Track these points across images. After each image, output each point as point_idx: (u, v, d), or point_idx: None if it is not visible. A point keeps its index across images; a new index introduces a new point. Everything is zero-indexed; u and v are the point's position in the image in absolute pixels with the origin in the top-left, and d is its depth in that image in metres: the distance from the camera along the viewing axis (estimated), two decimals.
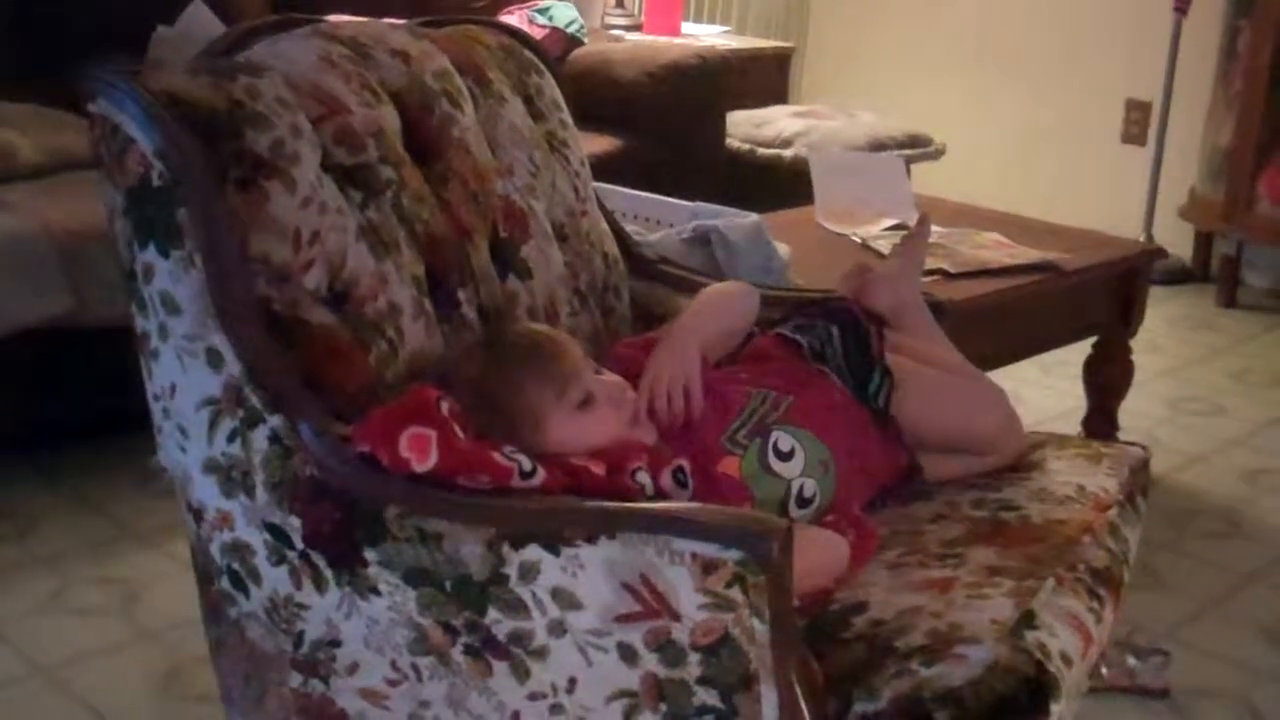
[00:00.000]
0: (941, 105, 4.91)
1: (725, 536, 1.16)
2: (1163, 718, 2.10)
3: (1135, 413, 3.16)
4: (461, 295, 1.65)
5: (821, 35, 5.48)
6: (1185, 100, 4.33)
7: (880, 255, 2.58)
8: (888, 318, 1.83)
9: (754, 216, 2.44)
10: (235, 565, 1.39)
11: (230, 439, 1.35)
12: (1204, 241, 4.56)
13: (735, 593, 1.16)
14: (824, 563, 1.43)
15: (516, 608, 1.23)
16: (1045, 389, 3.43)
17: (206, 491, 1.38)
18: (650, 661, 1.20)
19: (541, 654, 1.24)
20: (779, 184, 3.78)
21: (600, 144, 3.54)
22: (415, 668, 1.31)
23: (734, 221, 2.39)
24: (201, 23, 3.23)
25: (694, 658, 1.19)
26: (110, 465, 2.74)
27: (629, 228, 2.12)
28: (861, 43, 5.33)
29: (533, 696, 1.27)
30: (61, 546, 2.48)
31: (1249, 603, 2.47)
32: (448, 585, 1.26)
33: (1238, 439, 3.25)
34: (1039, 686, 1.28)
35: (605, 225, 1.96)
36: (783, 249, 2.42)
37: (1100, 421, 2.98)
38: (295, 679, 1.40)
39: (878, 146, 3.93)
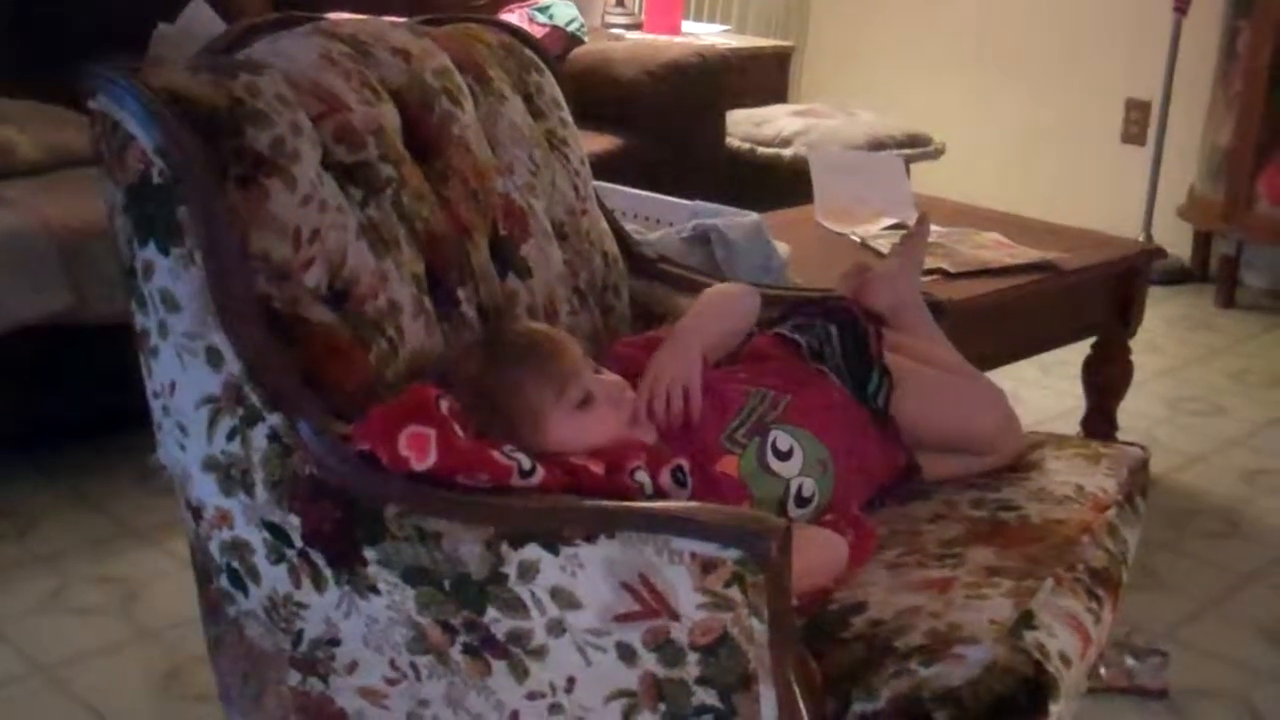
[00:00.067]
0: (941, 105, 4.91)
1: (724, 536, 1.16)
2: (1161, 718, 2.10)
3: (1134, 413, 3.16)
4: (461, 294, 1.65)
5: (821, 34, 5.48)
6: (1185, 100, 4.33)
7: (879, 254, 2.58)
8: (887, 317, 1.84)
9: (753, 215, 2.44)
10: (234, 563, 1.39)
11: (230, 437, 1.35)
12: (1203, 241, 4.56)
13: (734, 592, 1.16)
14: (823, 562, 1.43)
15: (515, 607, 1.23)
16: (1044, 389, 3.43)
17: (206, 489, 1.38)
18: (649, 661, 1.20)
19: (540, 653, 1.24)
20: (778, 183, 3.78)
21: (600, 142, 3.54)
22: (414, 666, 1.31)
23: (733, 220, 2.39)
24: (202, 20, 3.23)
25: (693, 657, 1.19)
26: (110, 463, 2.75)
27: (629, 226, 2.12)
28: (861, 42, 5.33)
29: (531, 696, 1.27)
30: (61, 545, 2.48)
31: (1248, 603, 2.47)
32: (447, 584, 1.26)
33: (1237, 439, 3.25)
34: (1038, 687, 1.28)
35: (605, 224, 1.96)
36: (782, 248, 2.42)
37: (1099, 421, 2.98)
38: (294, 677, 1.40)
39: (877, 146, 3.93)
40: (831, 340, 1.70)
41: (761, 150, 4.04)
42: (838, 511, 1.53)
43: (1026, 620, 1.34)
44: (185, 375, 1.37)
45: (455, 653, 1.28)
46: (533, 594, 1.23)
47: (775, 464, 1.53)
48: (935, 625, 1.32)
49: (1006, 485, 1.69)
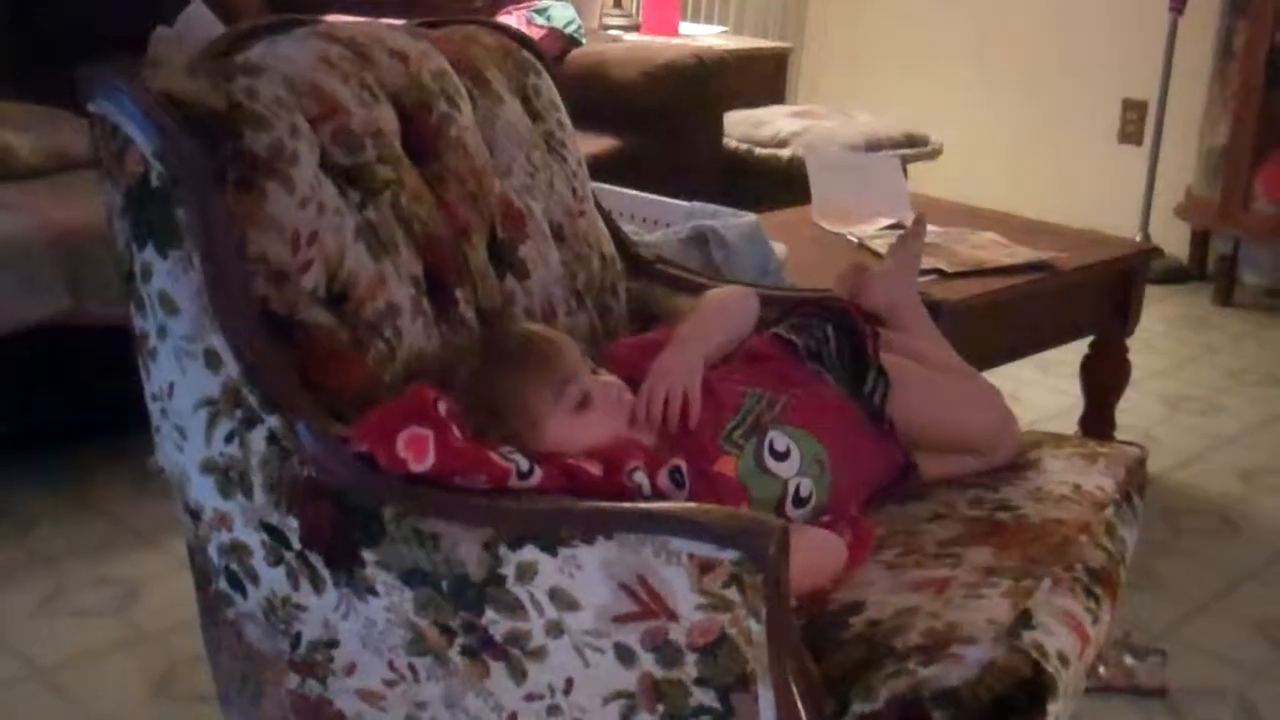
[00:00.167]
0: (938, 105, 4.92)
1: (722, 536, 1.16)
2: (1160, 717, 2.10)
3: (1132, 412, 3.16)
4: (459, 295, 1.65)
5: (819, 35, 5.48)
6: (1181, 99, 4.33)
7: (876, 255, 2.58)
8: (884, 317, 1.84)
9: (750, 216, 2.44)
10: (233, 566, 1.39)
11: (228, 439, 1.35)
12: (1200, 240, 4.57)
13: (732, 593, 1.16)
14: (821, 563, 1.43)
15: (514, 608, 1.24)
16: (1042, 388, 3.43)
17: (204, 492, 1.38)
18: (647, 662, 1.20)
19: (539, 655, 1.24)
20: (776, 184, 3.79)
21: (598, 144, 3.54)
22: (412, 668, 1.31)
23: (731, 221, 2.39)
24: (201, 23, 3.23)
25: (691, 658, 1.19)
26: (109, 465, 2.75)
27: (626, 228, 2.12)
28: (858, 42, 5.33)
29: (530, 697, 1.27)
30: (59, 546, 2.48)
31: (1246, 601, 2.47)
32: (445, 586, 1.26)
33: (1234, 437, 3.26)
34: (1036, 686, 1.28)
35: (603, 225, 1.97)
36: (779, 248, 2.43)
37: (1097, 420, 2.98)
38: (292, 679, 1.40)
39: (874, 146, 3.94)
40: (828, 341, 1.71)
41: (759, 151, 4.04)
42: (835, 512, 1.54)
43: (1025, 620, 1.34)
44: (184, 377, 1.37)
45: (454, 654, 1.28)
46: (531, 595, 1.23)
47: (772, 464, 1.53)
48: (934, 625, 1.32)
49: (1004, 485, 1.69)
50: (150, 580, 2.37)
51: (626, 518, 1.21)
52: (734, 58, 4.25)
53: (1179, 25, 4.20)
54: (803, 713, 1.20)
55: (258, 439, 1.34)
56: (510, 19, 3.94)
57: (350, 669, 1.35)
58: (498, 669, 1.27)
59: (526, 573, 1.22)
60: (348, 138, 1.56)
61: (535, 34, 3.84)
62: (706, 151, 3.95)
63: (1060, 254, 2.71)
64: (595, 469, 1.38)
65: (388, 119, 1.63)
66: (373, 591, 1.30)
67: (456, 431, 1.32)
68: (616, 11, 4.65)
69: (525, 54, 1.93)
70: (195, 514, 1.40)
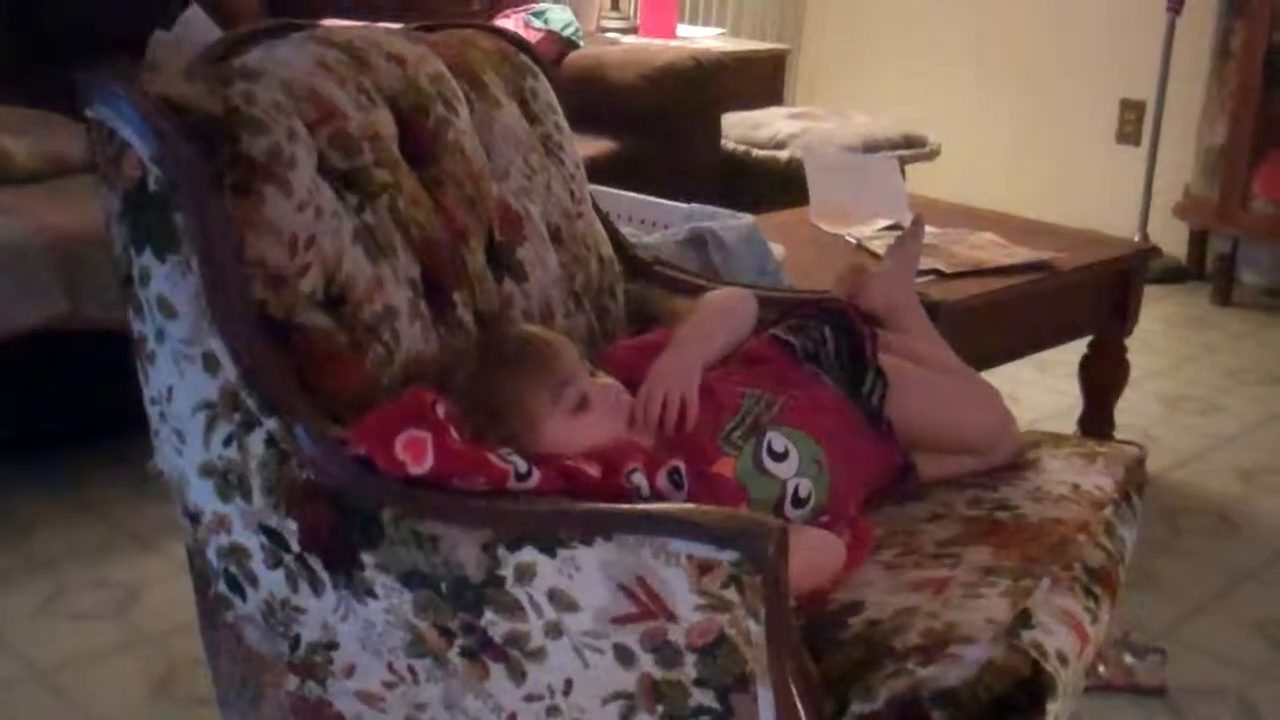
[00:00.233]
0: (937, 106, 4.92)
1: (721, 537, 1.16)
2: (1160, 716, 2.10)
3: (1131, 411, 3.16)
4: (457, 298, 1.65)
5: (816, 37, 5.48)
6: (1179, 99, 4.33)
7: (875, 256, 2.58)
8: (882, 318, 1.84)
9: (748, 218, 2.45)
10: (232, 568, 1.39)
11: (226, 442, 1.35)
12: (1199, 240, 4.57)
13: (731, 593, 1.16)
14: (820, 563, 1.43)
15: (513, 610, 1.24)
16: (1041, 388, 3.43)
17: (203, 495, 1.38)
18: (646, 663, 1.21)
19: (538, 656, 1.25)
20: (774, 185, 3.79)
21: (596, 146, 3.54)
22: (412, 670, 1.32)
23: (729, 223, 2.39)
24: (198, 27, 3.23)
25: (690, 659, 1.19)
26: (107, 468, 2.75)
27: (625, 229, 2.13)
28: (856, 44, 5.33)
29: (529, 698, 1.27)
30: (58, 549, 2.48)
31: (1245, 601, 2.47)
32: (444, 587, 1.26)
33: (1233, 437, 3.26)
34: (1035, 686, 1.28)
35: (600, 227, 1.97)
36: (777, 250, 2.43)
37: (1096, 420, 2.98)
38: (292, 682, 1.40)
39: (872, 147, 3.94)
40: (826, 342, 1.71)
41: (757, 153, 4.04)
42: (834, 512, 1.54)
43: (1024, 619, 1.34)
44: (182, 381, 1.37)
45: (453, 656, 1.28)
46: (530, 596, 1.23)
47: (771, 465, 1.53)
48: (933, 625, 1.33)
49: (1003, 485, 1.69)
50: (150, 583, 2.37)
51: (625, 519, 1.21)
52: (732, 60, 4.26)
53: (1177, 25, 4.20)
54: (802, 713, 1.20)
55: (256, 442, 1.34)
56: (507, 22, 3.94)
57: (350, 671, 1.36)
58: (497, 670, 1.27)
59: (525, 574, 1.22)
60: (345, 142, 1.56)
61: (532, 37, 3.84)
62: (704, 153, 3.95)
63: (1059, 254, 2.71)
64: (594, 470, 1.38)
65: (385, 123, 1.63)
66: (372, 593, 1.30)
67: (455, 434, 1.32)
68: (614, 14, 4.65)
69: (522, 57, 1.93)
70: (194, 517, 1.40)
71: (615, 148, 3.67)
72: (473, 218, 1.71)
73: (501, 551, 1.23)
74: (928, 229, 2.26)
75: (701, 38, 4.66)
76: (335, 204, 1.52)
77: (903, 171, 3.37)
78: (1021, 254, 2.68)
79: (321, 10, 3.15)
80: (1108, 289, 2.87)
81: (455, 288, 1.65)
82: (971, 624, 1.32)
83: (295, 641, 1.37)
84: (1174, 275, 4.50)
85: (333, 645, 1.35)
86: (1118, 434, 2.94)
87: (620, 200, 2.61)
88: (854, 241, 2.78)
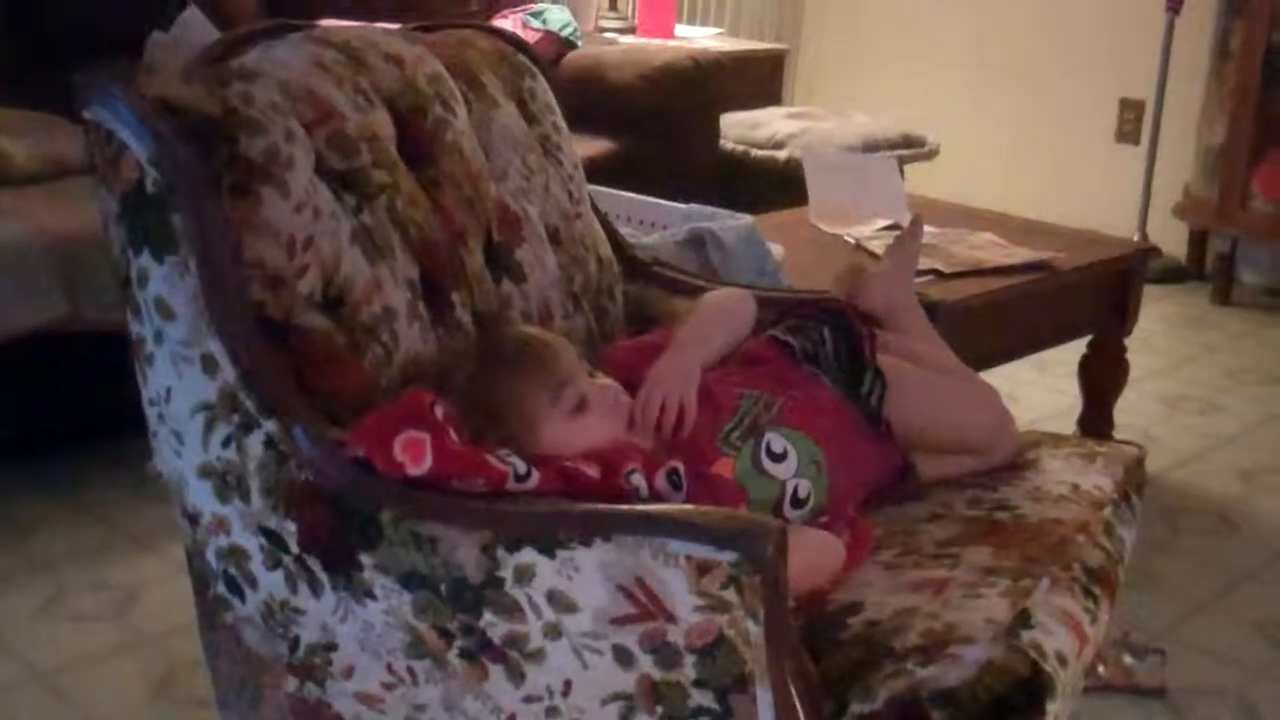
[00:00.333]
0: (936, 106, 4.92)
1: (720, 538, 1.16)
2: (1160, 716, 2.10)
3: (1130, 411, 3.16)
4: (456, 299, 1.65)
5: (815, 37, 5.48)
6: (1179, 99, 4.34)
7: (874, 256, 2.58)
8: (881, 318, 1.84)
9: (747, 218, 2.44)
10: (231, 570, 1.39)
11: (225, 444, 1.35)
12: (1198, 240, 4.57)
13: (730, 594, 1.16)
14: (819, 563, 1.43)
15: (512, 611, 1.24)
16: (1040, 388, 3.43)
17: (202, 496, 1.38)
18: (645, 664, 1.20)
19: (537, 657, 1.24)
20: (773, 185, 3.79)
21: (594, 147, 3.54)
22: (411, 671, 1.31)
23: (728, 223, 2.39)
24: (196, 29, 3.23)
25: (689, 659, 1.19)
26: (106, 470, 2.75)
27: (623, 230, 2.12)
28: (855, 44, 5.33)
29: (528, 699, 1.27)
30: (58, 551, 2.48)
31: (1245, 601, 2.47)
32: (443, 589, 1.26)
33: (1233, 437, 3.26)
34: (1035, 686, 1.28)
35: (599, 228, 1.97)
36: (776, 250, 2.43)
37: (1095, 420, 2.98)
38: (291, 683, 1.40)
39: (871, 147, 3.94)
40: (825, 342, 1.71)
41: (756, 153, 4.04)
42: (833, 512, 1.54)
43: (1023, 620, 1.34)
44: (181, 382, 1.37)
45: (452, 657, 1.28)
46: (529, 598, 1.23)
47: (770, 466, 1.53)
48: (932, 625, 1.32)
49: (1003, 485, 1.69)
50: (149, 584, 2.37)
51: (624, 520, 1.21)
52: (730, 59, 4.26)
53: (1176, 25, 4.20)
54: (801, 713, 1.20)
55: (255, 443, 1.34)
56: (505, 22, 3.94)
57: (349, 672, 1.36)
58: (496, 671, 1.27)
59: (524, 575, 1.22)
60: (343, 142, 1.56)
61: (531, 37, 3.84)
62: (703, 153, 3.95)
63: (1058, 254, 2.71)
64: (593, 471, 1.38)
65: (383, 123, 1.63)
66: (371, 595, 1.30)
67: (454, 435, 1.32)
68: (612, 14, 4.65)
69: (520, 57, 1.93)
70: (193, 518, 1.40)
71: (614, 148, 3.67)
72: (471, 218, 1.70)
73: (500, 553, 1.23)
74: (927, 229, 2.26)
75: (700, 38, 4.66)
76: (333, 205, 1.52)
77: (902, 171, 3.37)
78: (1021, 254, 2.68)
79: (319, 11, 3.14)
80: (1107, 289, 2.87)
81: (454, 289, 1.65)
82: (971, 624, 1.32)
83: (294, 643, 1.37)
84: (1173, 275, 4.50)
85: (332, 646, 1.35)
86: (1117, 434, 2.94)
87: (619, 201, 2.61)
88: (853, 241, 2.78)
